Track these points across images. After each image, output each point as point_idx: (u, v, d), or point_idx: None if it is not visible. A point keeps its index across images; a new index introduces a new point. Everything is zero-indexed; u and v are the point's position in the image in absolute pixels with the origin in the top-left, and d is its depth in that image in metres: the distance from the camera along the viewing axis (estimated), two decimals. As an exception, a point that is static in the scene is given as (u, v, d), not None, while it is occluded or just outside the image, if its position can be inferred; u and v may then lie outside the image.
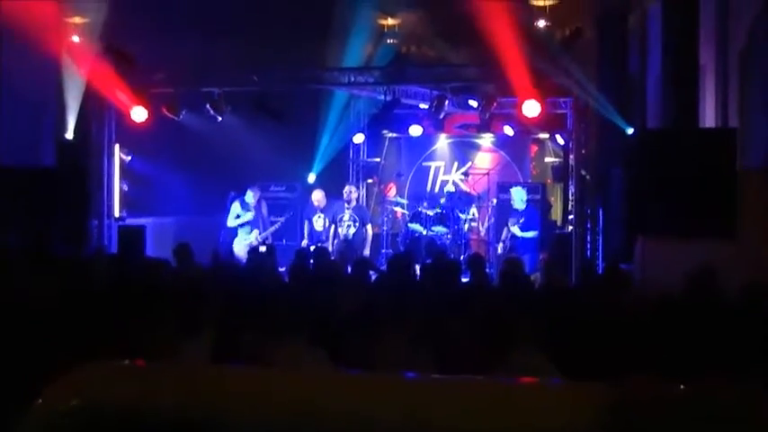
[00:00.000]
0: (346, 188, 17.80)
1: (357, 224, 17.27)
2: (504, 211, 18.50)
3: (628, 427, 2.51)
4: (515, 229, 17.36)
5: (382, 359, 5.41)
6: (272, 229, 18.44)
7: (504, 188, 19.05)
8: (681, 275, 8.69)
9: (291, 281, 11.21)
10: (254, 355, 5.33)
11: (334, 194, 18.08)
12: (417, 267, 12.93)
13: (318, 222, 17.85)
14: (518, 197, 17.72)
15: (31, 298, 6.76)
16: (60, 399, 2.73)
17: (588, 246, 16.12)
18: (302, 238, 18.42)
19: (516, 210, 17.64)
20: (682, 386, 2.80)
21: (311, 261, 13.02)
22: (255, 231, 18.14)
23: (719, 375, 4.45)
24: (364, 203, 20.42)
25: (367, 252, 17.02)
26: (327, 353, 5.47)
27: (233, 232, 18.20)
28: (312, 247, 16.36)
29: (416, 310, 6.53)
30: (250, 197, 18.18)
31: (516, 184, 18.69)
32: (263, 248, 16.42)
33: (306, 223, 18.23)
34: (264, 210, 18.67)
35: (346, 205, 17.42)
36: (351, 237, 17.18)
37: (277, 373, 3.17)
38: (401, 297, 7.77)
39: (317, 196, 18.08)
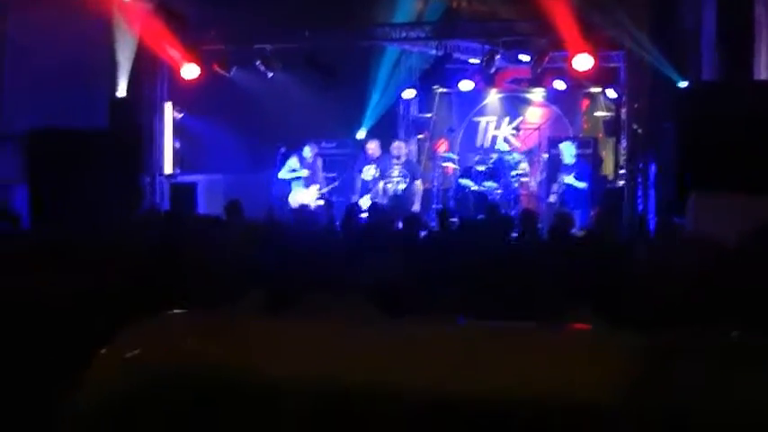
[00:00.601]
0: (395, 143, 17.81)
1: (407, 179, 17.30)
2: (554, 166, 18.41)
3: (671, 372, 2.52)
4: (570, 179, 17.23)
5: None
6: (332, 185, 18.47)
7: (555, 143, 18.94)
8: (733, 231, 8.61)
9: (344, 236, 11.27)
10: (307, 312, 5.37)
11: (384, 150, 18.08)
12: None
13: (369, 172, 17.81)
14: (567, 152, 17.62)
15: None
16: (124, 348, 2.78)
17: (640, 200, 16.02)
18: (353, 193, 18.49)
19: (567, 165, 17.55)
20: (734, 333, 2.81)
21: (361, 217, 13.08)
22: (315, 186, 18.20)
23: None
24: (415, 159, 20.44)
25: (417, 207, 17.03)
26: (381, 311, 5.50)
27: (286, 188, 18.27)
28: (362, 201, 16.44)
29: (467, 270, 6.54)
30: (307, 152, 18.25)
31: (566, 139, 18.57)
32: (320, 202, 16.53)
33: (357, 176, 18.24)
34: (320, 164, 18.71)
35: (395, 161, 17.43)
36: (401, 192, 17.21)
37: (334, 327, 3.20)
38: (451, 256, 7.77)
39: (372, 146, 18.05)
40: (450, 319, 3.78)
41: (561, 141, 18.27)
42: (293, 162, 18.16)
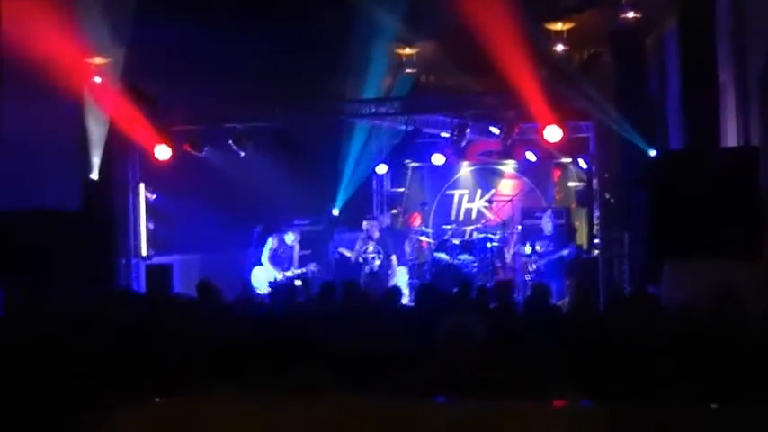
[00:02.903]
0: (365, 224, 17.85)
1: (381, 256, 17.33)
2: (529, 238, 18.46)
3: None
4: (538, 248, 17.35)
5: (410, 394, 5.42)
6: (304, 269, 18.30)
7: (528, 214, 19.03)
8: (708, 297, 8.66)
9: (319, 314, 11.25)
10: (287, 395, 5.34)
11: (358, 227, 18.15)
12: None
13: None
14: (548, 223, 17.82)
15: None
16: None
17: (615, 269, 16.04)
18: (330, 271, 18.56)
19: (546, 235, 17.66)
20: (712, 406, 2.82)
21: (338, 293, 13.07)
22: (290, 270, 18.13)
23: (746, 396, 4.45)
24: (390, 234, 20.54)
25: (394, 282, 17.04)
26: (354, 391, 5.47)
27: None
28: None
29: (443, 343, 6.53)
30: (290, 239, 18.19)
31: (546, 210, 18.69)
32: (298, 282, 16.51)
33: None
34: (297, 248, 18.59)
35: (369, 240, 17.50)
36: (377, 269, 17.24)
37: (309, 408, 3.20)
38: (428, 331, 7.77)
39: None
40: (428, 397, 3.79)
41: (536, 212, 18.42)
42: (273, 243, 18.13)
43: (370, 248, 17.42)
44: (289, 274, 17.94)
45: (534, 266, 17.63)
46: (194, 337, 7.04)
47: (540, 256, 17.42)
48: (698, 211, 12.78)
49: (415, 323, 9.19)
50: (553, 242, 17.46)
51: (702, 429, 2.64)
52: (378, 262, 17.33)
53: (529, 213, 19.05)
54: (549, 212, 18.28)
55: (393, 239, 18.67)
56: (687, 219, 12.88)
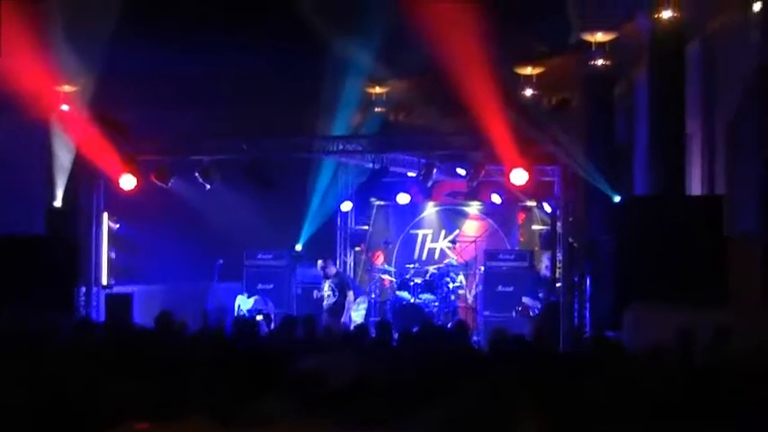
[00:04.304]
0: (320, 262, 17.97)
1: (336, 293, 17.39)
2: (491, 279, 18.51)
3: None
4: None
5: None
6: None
7: (491, 256, 19.09)
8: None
9: (280, 348, 11.22)
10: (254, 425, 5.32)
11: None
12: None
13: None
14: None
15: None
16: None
17: (576, 313, 16.08)
18: (290, 305, 18.61)
19: (541, 278, 17.66)
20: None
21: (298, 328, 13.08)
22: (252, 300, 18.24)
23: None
24: (352, 271, 20.57)
25: (345, 319, 17.14)
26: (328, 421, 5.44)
27: (222, 298, 18.27)
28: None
29: (408, 381, 6.53)
30: (258, 318, 18.22)
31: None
32: (260, 317, 16.53)
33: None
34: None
35: (325, 278, 17.64)
36: (330, 306, 17.35)
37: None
38: (392, 367, 7.76)
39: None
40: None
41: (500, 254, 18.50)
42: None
43: (326, 287, 17.54)
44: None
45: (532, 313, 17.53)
46: (155, 364, 6.98)
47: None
48: (662, 258, 12.91)
49: (380, 357, 9.19)
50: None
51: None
52: (332, 299, 17.41)
53: (492, 255, 19.11)
54: (545, 255, 18.21)
55: (349, 277, 18.80)
56: (651, 265, 13.00)
